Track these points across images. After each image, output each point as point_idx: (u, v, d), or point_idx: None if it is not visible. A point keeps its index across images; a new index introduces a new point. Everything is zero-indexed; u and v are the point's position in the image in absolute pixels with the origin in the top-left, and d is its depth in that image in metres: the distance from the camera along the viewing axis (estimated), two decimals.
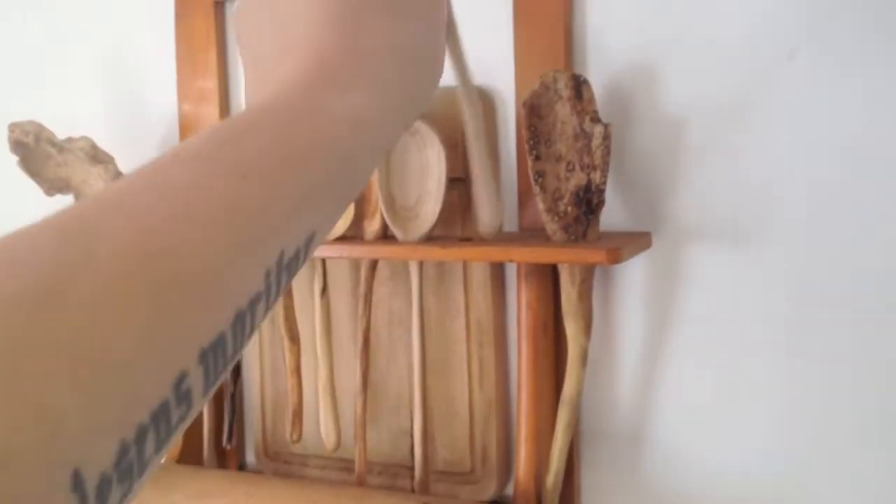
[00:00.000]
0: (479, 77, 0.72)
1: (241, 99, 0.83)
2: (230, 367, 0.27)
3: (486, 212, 0.63)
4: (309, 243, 0.30)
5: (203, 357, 0.25)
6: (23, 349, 0.21)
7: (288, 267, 0.29)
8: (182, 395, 0.25)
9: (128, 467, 0.23)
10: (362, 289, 0.73)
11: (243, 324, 0.27)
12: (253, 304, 0.28)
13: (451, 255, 0.67)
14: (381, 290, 0.76)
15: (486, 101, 0.72)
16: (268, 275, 0.28)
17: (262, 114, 0.31)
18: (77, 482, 0.21)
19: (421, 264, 0.71)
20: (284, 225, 0.29)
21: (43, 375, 0.21)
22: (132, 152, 0.86)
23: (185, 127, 0.84)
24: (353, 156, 0.33)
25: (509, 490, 0.74)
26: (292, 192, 0.29)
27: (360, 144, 0.33)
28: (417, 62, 0.37)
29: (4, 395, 0.20)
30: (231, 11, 0.82)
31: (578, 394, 0.67)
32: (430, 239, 0.69)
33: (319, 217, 0.31)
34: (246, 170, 0.28)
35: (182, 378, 0.24)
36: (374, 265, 0.73)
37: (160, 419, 0.24)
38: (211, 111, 0.83)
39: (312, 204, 0.30)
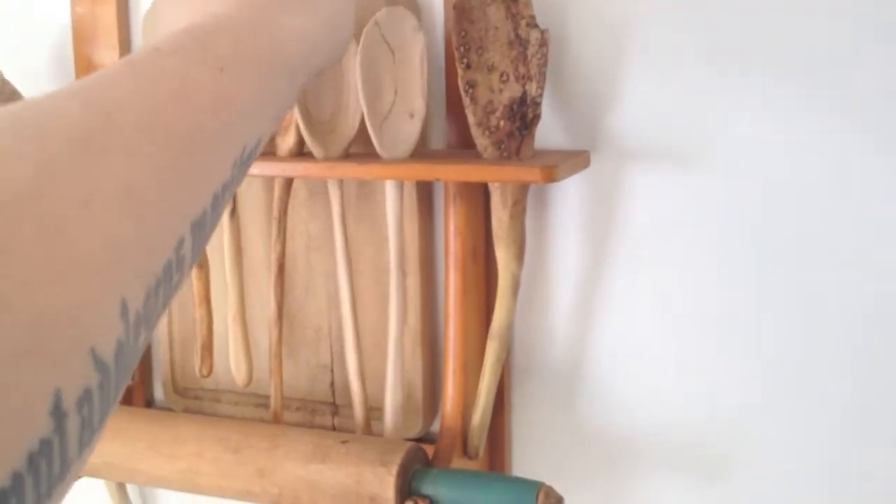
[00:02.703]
0: None
1: None
2: (203, 249, 0.30)
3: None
4: (257, 147, 0.34)
5: (193, 228, 0.29)
6: (85, 184, 0.24)
7: (245, 162, 0.33)
8: (179, 259, 0.28)
9: (147, 314, 0.26)
10: (276, 211, 0.66)
11: (216, 207, 0.31)
12: (224, 190, 0.31)
13: (371, 172, 0.61)
14: (298, 212, 0.69)
15: (410, 4, 0.65)
16: (234, 165, 0.32)
17: (227, 19, 0.35)
18: (124, 309, 0.25)
19: (341, 184, 0.65)
20: (249, 121, 0.33)
21: (104, 208, 0.24)
22: (20, 60, 0.78)
23: (79, 31, 0.75)
24: (298, 68, 0.38)
25: (436, 427, 0.69)
26: (256, 91, 0.34)
27: (303, 60, 0.38)
28: None
29: (76, 223, 0.23)
30: None
31: (509, 326, 0.62)
32: (349, 156, 0.63)
33: (267, 122, 0.35)
34: (223, 64, 0.32)
35: (181, 243, 0.28)
36: (288, 185, 0.66)
37: (165, 280, 0.27)
38: (107, 12, 0.74)
39: (266, 107, 0.35)
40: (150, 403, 0.80)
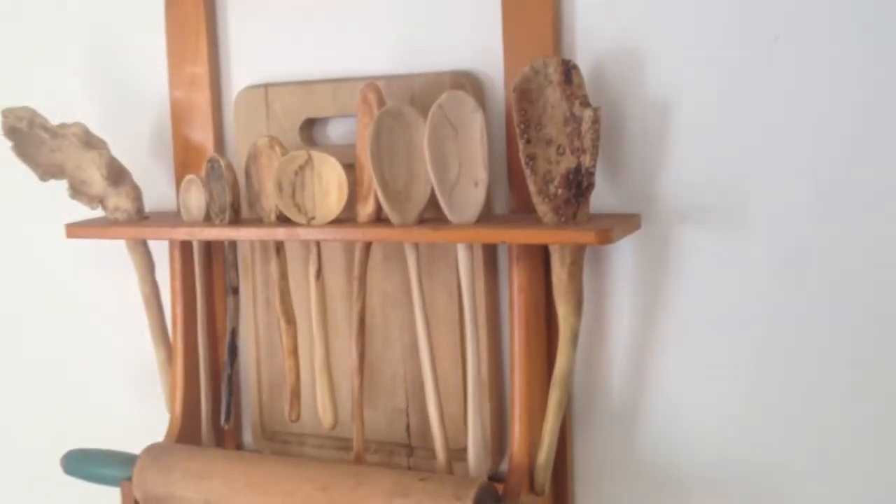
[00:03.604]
0: (468, 62, 0.73)
1: (231, 84, 0.83)
2: None
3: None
4: None
5: None
6: None
7: None
8: None
9: None
10: (357, 271, 0.74)
11: None
12: None
13: (443, 237, 0.68)
14: (374, 272, 0.77)
15: (475, 86, 0.73)
16: None
17: None
18: None
19: (417, 246, 0.72)
20: None
21: None
22: (125, 138, 0.87)
23: (177, 112, 0.84)
24: None
25: (503, 467, 0.76)
26: None
27: None
28: None
29: None
30: None
31: (569, 373, 0.69)
32: (422, 221, 0.70)
33: None
34: None
35: None
36: (368, 248, 0.74)
37: None
38: (202, 96, 0.83)
39: None
40: (239, 447, 0.87)
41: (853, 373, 0.66)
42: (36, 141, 0.81)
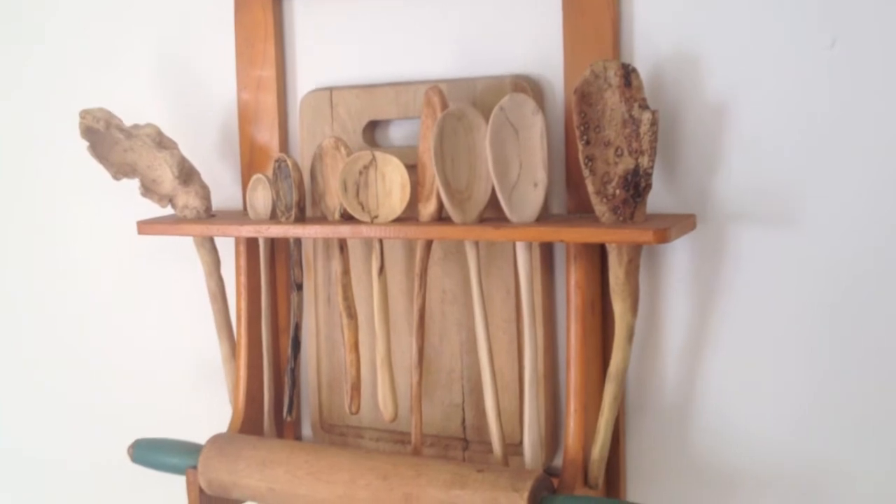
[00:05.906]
0: (529, 66, 0.75)
1: (297, 87, 0.87)
2: None
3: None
4: None
5: None
6: None
7: None
8: None
9: None
10: (418, 268, 0.76)
11: None
12: None
13: (504, 235, 0.70)
14: (434, 270, 0.79)
15: (535, 89, 0.75)
16: None
17: None
18: None
19: (477, 244, 0.74)
20: None
21: None
22: (194, 138, 0.90)
23: (244, 114, 0.88)
24: None
25: (557, 461, 0.77)
26: None
27: None
28: None
29: None
30: (288, 5, 0.86)
31: (625, 369, 0.70)
32: (482, 220, 0.72)
33: None
34: None
35: None
36: (429, 246, 0.76)
37: None
38: (268, 99, 0.86)
39: None
40: (298, 439, 0.90)
41: None
42: (111, 141, 0.84)
